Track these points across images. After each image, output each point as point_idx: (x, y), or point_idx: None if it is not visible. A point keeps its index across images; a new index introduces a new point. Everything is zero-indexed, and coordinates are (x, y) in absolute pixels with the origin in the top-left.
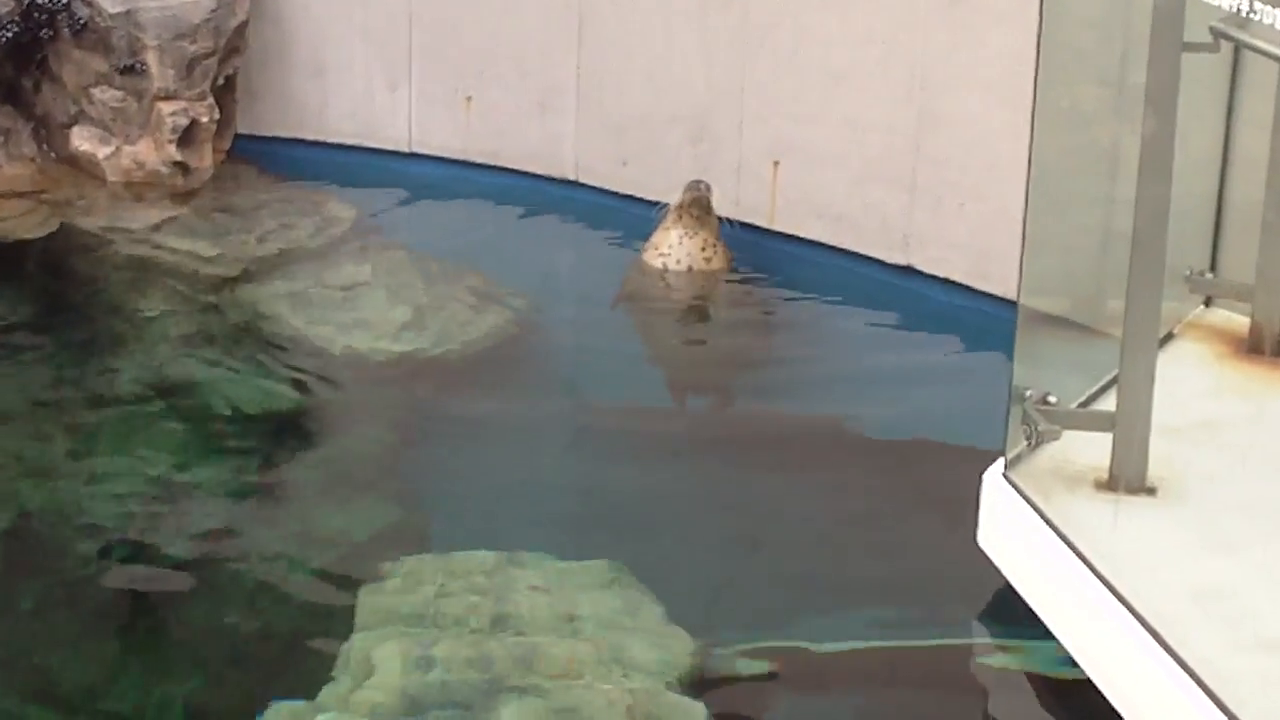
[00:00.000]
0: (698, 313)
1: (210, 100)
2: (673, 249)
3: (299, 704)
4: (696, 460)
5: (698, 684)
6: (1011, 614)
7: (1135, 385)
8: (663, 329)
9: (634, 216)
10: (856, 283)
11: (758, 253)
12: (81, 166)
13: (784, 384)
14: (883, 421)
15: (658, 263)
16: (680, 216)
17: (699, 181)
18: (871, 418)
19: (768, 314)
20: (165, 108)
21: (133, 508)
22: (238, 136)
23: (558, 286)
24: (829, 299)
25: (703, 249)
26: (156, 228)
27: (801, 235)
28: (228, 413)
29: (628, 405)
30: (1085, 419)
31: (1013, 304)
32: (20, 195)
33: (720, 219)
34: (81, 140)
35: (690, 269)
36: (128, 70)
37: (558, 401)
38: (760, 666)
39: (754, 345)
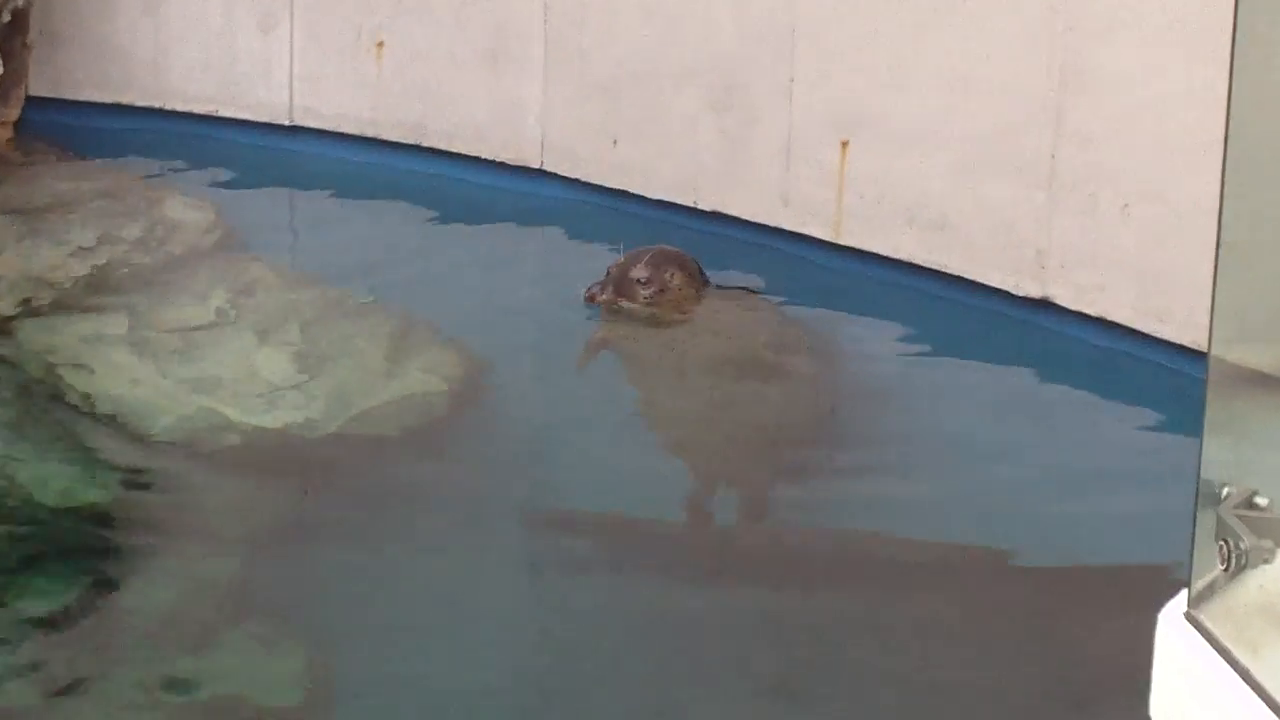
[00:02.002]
0: (710, 368)
1: None
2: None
3: None
4: (716, 611)
5: None
6: None
7: None
8: (659, 392)
9: (627, 221)
10: (966, 324)
11: (814, 277)
12: None
13: (849, 481)
14: (1001, 537)
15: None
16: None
17: (663, 266)
18: (985, 531)
19: (824, 370)
20: None
21: None
22: (31, 101)
23: (509, 330)
24: (921, 349)
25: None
26: None
27: (881, 252)
28: (6, 525)
29: (611, 516)
30: None
31: (1201, 355)
32: None
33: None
34: None
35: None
36: None
37: (506, 510)
38: None
39: (800, 419)
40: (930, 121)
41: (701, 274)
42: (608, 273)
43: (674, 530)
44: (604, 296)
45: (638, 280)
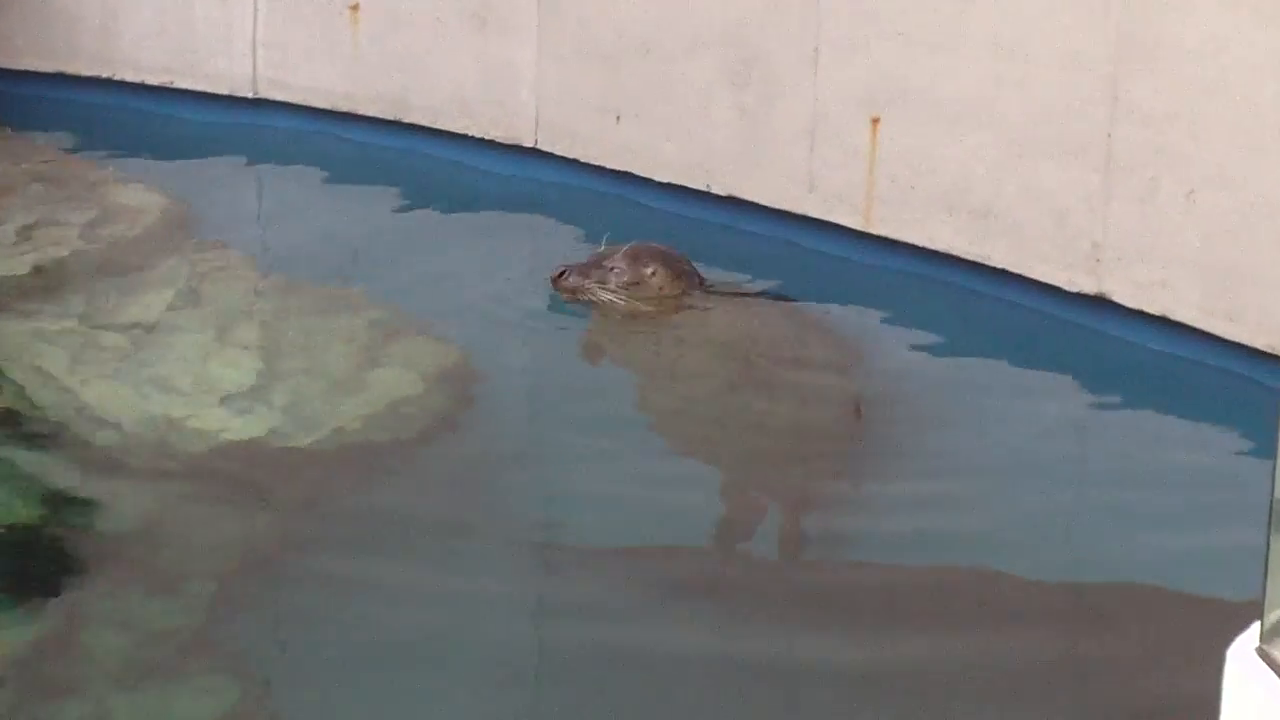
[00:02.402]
0: (720, 376)
1: None
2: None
3: None
4: (738, 660)
5: None
6: None
7: None
8: (667, 401)
9: (629, 209)
10: (1011, 324)
11: (841, 270)
12: None
13: (874, 509)
14: (1051, 567)
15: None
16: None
17: (643, 259)
18: (1034, 562)
19: (850, 382)
20: None
21: None
22: None
23: (497, 330)
24: (960, 352)
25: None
26: None
27: (915, 242)
28: None
29: (624, 548)
30: None
31: (1276, 361)
32: None
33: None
34: None
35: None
36: None
37: (499, 536)
38: None
39: (829, 434)
40: (973, 96)
41: (694, 275)
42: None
43: (700, 562)
44: (568, 281)
45: (611, 268)
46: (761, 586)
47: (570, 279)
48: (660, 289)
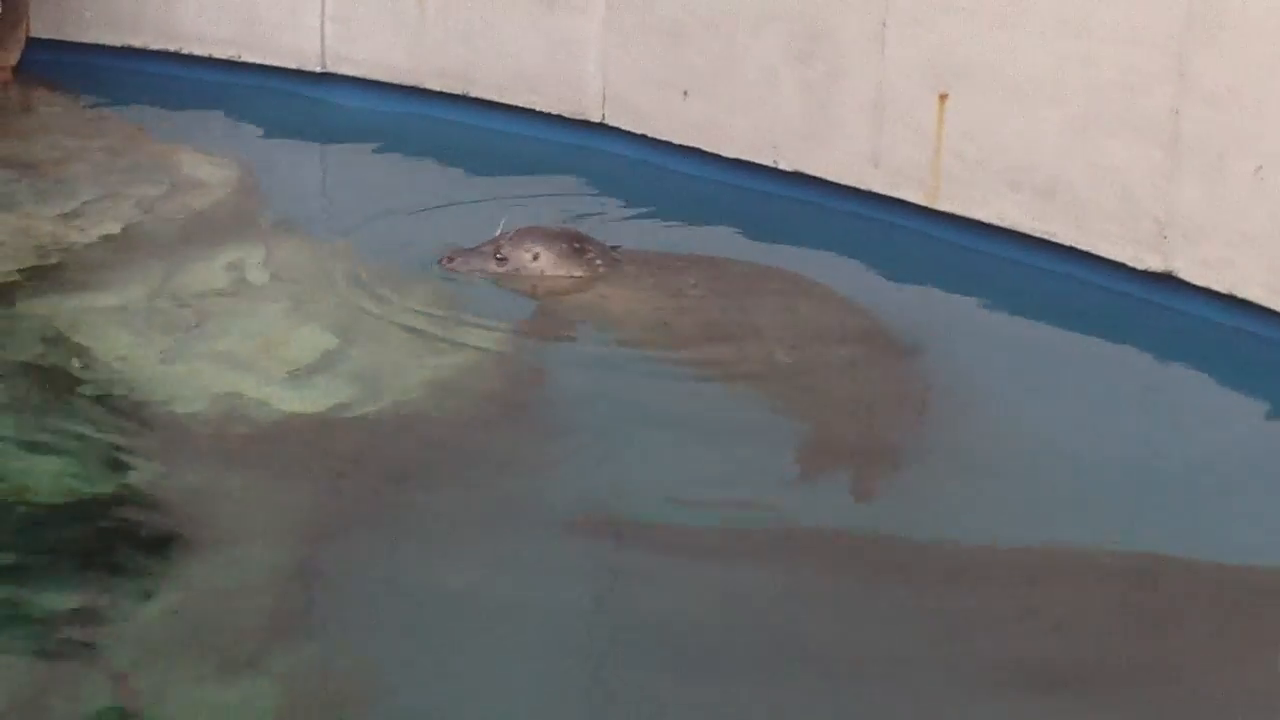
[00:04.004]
0: (759, 357)
1: None
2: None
3: None
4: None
5: None
6: None
7: None
8: (711, 397)
9: (697, 184)
10: (1076, 301)
11: (906, 246)
12: None
13: (949, 478)
14: (1119, 540)
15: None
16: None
17: (527, 243)
18: (1103, 536)
19: (916, 366)
20: None
21: None
22: (32, 43)
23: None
24: (1024, 328)
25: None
26: None
27: (983, 219)
28: (4, 523)
29: (701, 531)
30: None
31: None
32: None
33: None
34: None
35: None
36: None
37: (560, 507)
38: None
39: (891, 420)
40: (1041, 73)
41: (597, 255)
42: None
43: (769, 532)
44: (452, 264)
45: (495, 255)
46: (828, 554)
47: (454, 262)
48: (542, 271)
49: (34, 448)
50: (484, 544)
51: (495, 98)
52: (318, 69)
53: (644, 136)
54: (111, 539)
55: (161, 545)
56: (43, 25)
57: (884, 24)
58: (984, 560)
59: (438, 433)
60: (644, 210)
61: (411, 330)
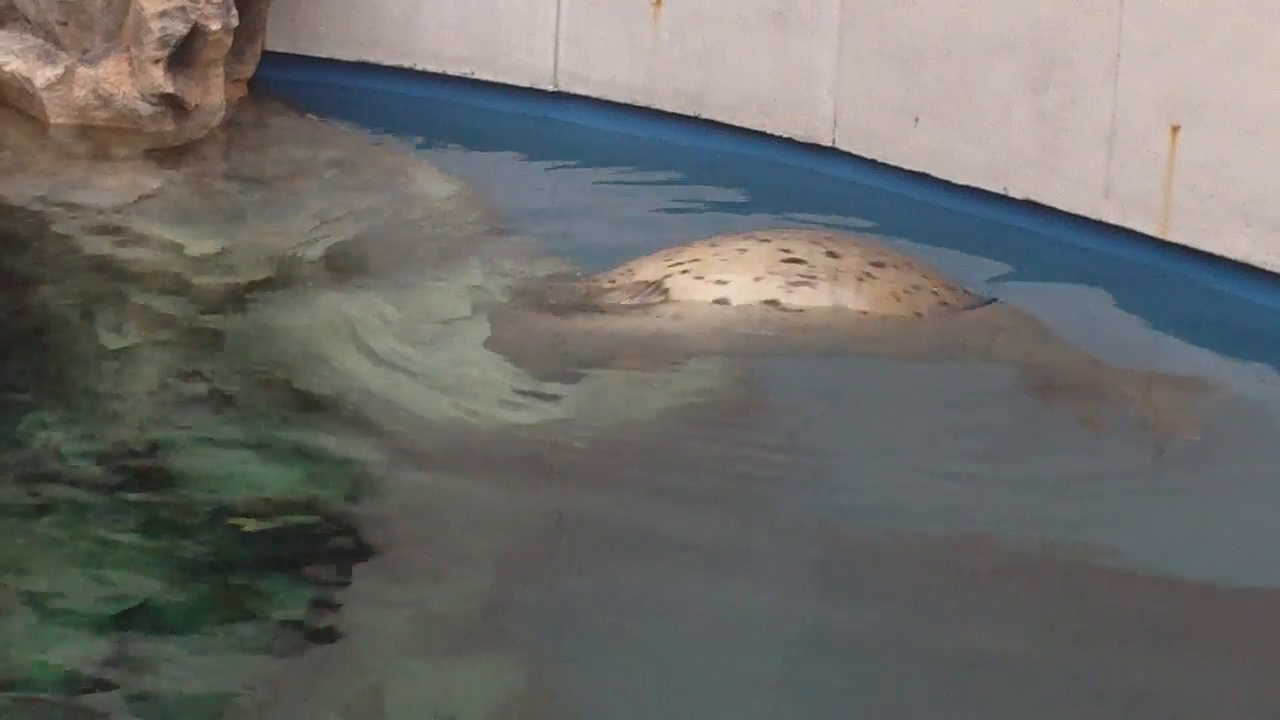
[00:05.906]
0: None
1: None
2: None
3: None
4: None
5: None
6: None
7: None
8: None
9: (928, 211)
10: None
11: (1136, 277)
12: (6, 99)
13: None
14: None
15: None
16: None
17: None
18: None
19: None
20: (149, 6)
21: (82, 669)
22: (267, 57)
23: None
24: (1254, 372)
25: None
26: (127, 206)
27: (1216, 252)
28: (236, 521)
29: (910, 539)
30: None
31: None
32: None
33: None
34: (6, 57)
35: None
36: None
37: (780, 525)
38: None
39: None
40: (1274, 107)
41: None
42: None
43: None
44: None
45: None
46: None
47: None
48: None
49: (271, 456)
50: (698, 556)
51: (727, 119)
52: (550, 88)
53: (874, 161)
54: (345, 541)
55: (372, 555)
56: (278, 39)
57: (1118, 55)
58: None
59: (659, 448)
60: (875, 237)
61: (641, 354)
